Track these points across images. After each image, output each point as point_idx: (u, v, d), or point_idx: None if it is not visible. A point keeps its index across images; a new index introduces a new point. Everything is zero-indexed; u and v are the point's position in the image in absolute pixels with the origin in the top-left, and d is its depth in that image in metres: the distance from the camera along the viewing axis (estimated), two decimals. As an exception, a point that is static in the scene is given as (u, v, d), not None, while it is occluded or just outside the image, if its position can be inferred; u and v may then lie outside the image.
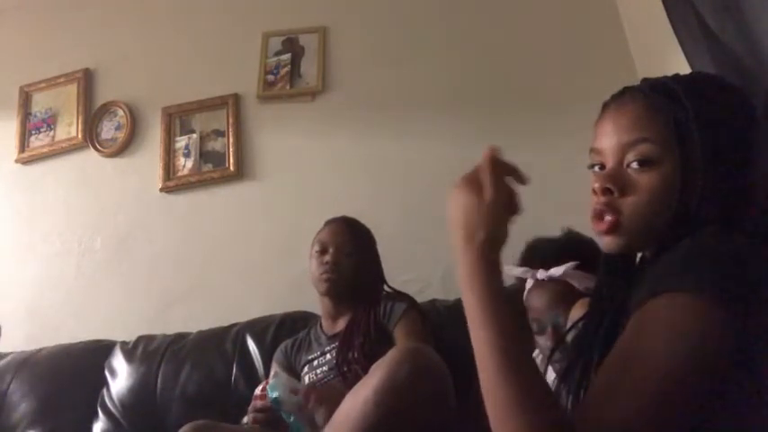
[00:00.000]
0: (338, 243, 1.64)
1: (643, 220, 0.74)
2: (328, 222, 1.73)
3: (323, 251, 1.64)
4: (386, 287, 1.70)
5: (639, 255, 0.83)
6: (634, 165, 0.75)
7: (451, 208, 0.74)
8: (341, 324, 1.62)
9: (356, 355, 1.46)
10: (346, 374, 1.45)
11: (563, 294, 1.17)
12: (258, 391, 1.41)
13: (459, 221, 0.72)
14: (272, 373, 1.61)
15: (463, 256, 0.70)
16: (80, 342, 2.06)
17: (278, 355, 1.69)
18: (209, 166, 2.35)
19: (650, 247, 0.78)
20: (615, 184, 0.75)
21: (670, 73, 0.82)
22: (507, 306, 0.67)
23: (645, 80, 0.82)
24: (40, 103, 2.60)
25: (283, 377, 1.39)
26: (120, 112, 2.50)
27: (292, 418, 1.32)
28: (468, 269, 0.69)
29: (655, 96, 0.76)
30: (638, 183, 0.74)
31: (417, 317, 1.57)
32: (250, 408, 1.42)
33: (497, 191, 0.70)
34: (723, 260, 0.64)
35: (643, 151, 0.74)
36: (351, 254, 1.63)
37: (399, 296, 1.65)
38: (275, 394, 1.31)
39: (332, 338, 1.60)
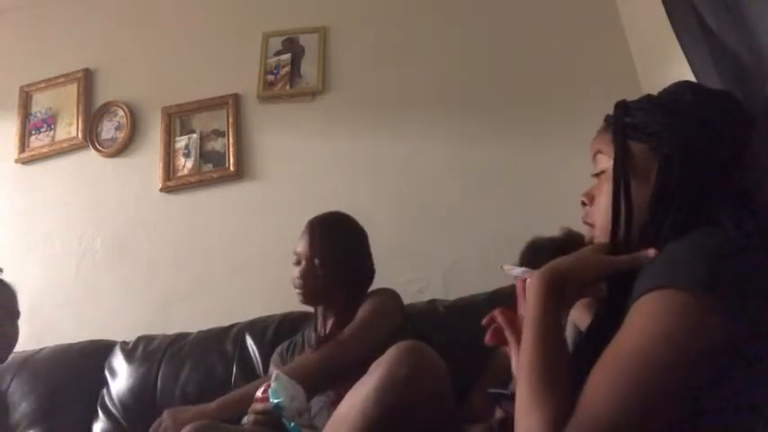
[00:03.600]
0: (307, 254, 1.61)
1: (605, 221, 0.81)
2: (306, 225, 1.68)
3: (296, 262, 1.63)
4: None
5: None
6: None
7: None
8: (330, 325, 1.61)
9: None
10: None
11: None
12: (259, 393, 1.41)
13: (565, 258, 0.82)
14: (273, 375, 1.60)
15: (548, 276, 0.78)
16: (80, 342, 2.05)
17: (275, 357, 1.70)
18: (209, 166, 2.36)
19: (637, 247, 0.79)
20: (586, 195, 0.88)
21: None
22: (557, 323, 0.74)
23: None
24: (40, 103, 2.60)
25: (284, 380, 1.38)
26: (120, 112, 2.50)
27: (293, 424, 1.32)
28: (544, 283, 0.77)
29: (613, 115, 0.86)
30: (601, 190, 0.85)
31: (373, 302, 1.54)
32: (251, 409, 1.42)
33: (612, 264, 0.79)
34: (713, 257, 0.65)
35: (597, 162, 0.86)
36: (324, 264, 1.59)
37: (375, 291, 1.62)
38: (277, 400, 1.31)
39: (322, 340, 1.60)
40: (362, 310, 1.51)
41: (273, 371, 1.64)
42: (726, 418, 0.62)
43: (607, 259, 0.79)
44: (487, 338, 0.93)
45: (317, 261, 1.59)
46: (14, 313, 1.55)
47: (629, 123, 0.82)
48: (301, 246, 1.64)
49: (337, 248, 1.62)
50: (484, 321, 0.94)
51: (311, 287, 1.60)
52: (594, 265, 0.79)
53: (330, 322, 1.62)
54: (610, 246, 0.81)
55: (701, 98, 0.81)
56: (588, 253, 0.83)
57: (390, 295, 1.58)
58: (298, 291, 1.62)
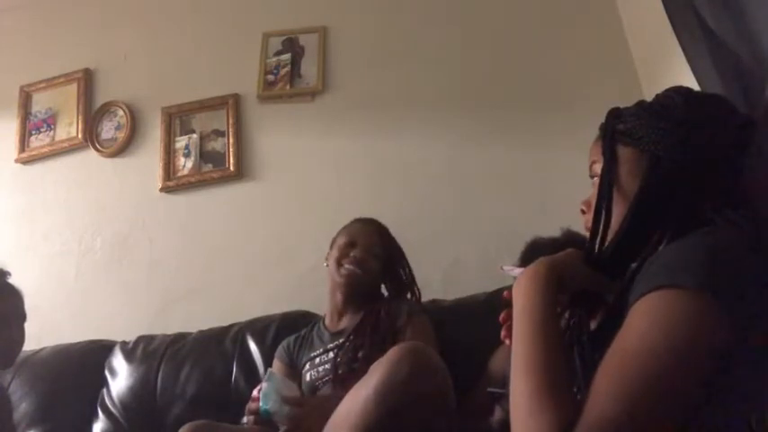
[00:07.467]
0: (368, 242, 1.64)
1: (597, 226, 0.82)
2: (359, 220, 1.73)
3: (351, 244, 1.64)
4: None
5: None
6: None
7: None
8: (345, 322, 1.62)
9: (364, 352, 1.45)
10: (343, 377, 1.44)
11: None
12: (255, 392, 1.40)
13: (559, 257, 0.83)
14: (266, 375, 1.59)
15: (544, 275, 0.79)
16: (80, 342, 2.05)
17: (280, 351, 1.69)
18: (209, 167, 2.36)
19: (638, 253, 0.79)
20: (585, 203, 0.90)
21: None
22: (552, 316, 0.74)
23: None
24: (40, 103, 2.60)
25: (276, 381, 1.35)
26: (120, 112, 2.50)
27: (283, 429, 1.31)
28: (536, 280, 0.78)
29: (605, 122, 0.87)
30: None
31: (426, 318, 1.57)
32: (246, 409, 1.41)
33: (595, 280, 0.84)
34: (711, 256, 0.65)
35: (593, 170, 0.87)
36: (378, 255, 1.64)
37: (402, 295, 1.67)
38: (266, 406, 1.29)
39: (335, 336, 1.60)
40: (417, 333, 1.50)
41: (274, 365, 1.64)
42: (729, 416, 0.62)
43: (594, 274, 0.82)
44: (503, 335, 0.93)
45: (377, 249, 1.64)
46: (21, 317, 1.56)
47: (619, 129, 0.84)
48: (359, 231, 1.67)
49: (393, 246, 1.70)
50: (501, 318, 0.93)
51: (368, 271, 1.61)
52: (586, 272, 0.82)
53: (346, 318, 1.62)
54: (588, 250, 0.83)
55: (690, 101, 0.82)
56: (577, 258, 0.84)
57: (429, 320, 1.59)
58: (350, 270, 1.59)
